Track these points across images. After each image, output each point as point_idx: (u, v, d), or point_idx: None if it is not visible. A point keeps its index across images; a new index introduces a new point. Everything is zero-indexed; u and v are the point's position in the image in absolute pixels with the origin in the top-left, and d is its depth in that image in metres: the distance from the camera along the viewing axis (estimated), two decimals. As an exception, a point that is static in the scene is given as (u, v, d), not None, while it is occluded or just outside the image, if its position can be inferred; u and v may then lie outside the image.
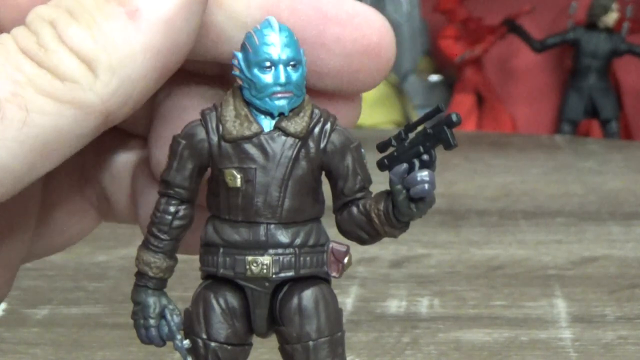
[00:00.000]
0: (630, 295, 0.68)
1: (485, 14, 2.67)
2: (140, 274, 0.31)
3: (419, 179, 0.29)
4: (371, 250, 0.76)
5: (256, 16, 0.30)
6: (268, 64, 0.29)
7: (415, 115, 2.75)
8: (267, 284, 0.30)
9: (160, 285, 0.31)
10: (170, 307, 0.31)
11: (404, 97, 2.76)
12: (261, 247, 0.30)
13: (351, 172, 0.31)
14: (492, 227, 0.87)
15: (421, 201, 0.30)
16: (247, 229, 0.30)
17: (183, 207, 0.31)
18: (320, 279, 0.31)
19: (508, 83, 2.83)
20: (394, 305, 0.66)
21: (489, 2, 2.72)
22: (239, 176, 0.30)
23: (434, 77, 2.84)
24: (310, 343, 0.30)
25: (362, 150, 0.31)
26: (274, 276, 0.30)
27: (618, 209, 0.94)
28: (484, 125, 2.71)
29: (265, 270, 0.30)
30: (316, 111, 0.30)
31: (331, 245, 0.31)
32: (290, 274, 0.30)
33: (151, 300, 0.31)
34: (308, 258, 0.31)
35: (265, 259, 0.30)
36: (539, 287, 0.69)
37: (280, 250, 0.30)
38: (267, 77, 0.29)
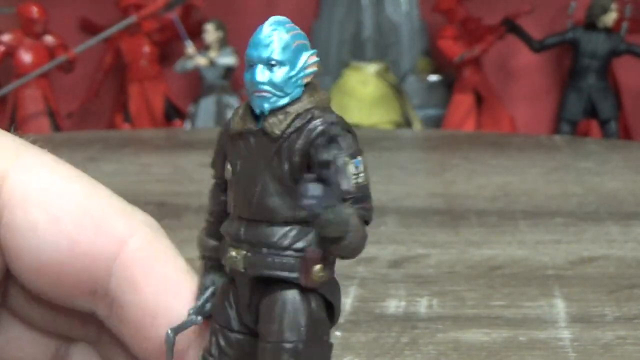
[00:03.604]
0: (629, 295, 0.68)
1: (484, 14, 2.67)
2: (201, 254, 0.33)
3: (309, 193, 0.28)
4: (370, 250, 0.76)
5: None
6: (251, 62, 0.30)
7: (415, 115, 2.75)
8: (245, 279, 0.30)
9: (215, 265, 0.32)
10: (211, 289, 0.32)
11: (403, 97, 2.75)
12: (239, 242, 0.30)
13: (327, 180, 0.29)
14: (491, 227, 0.87)
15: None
16: (234, 222, 0.31)
17: (223, 195, 0.32)
18: (295, 285, 0.30)
19: (507, 83, 2.83)
20: (393, 306, 0.66)
21: (488, 2, 2.72)
22: (230, 169, 0.30)
23: (433, 77, 2.84)
24: (268, 345, 0.30)
25: (352, 160, 0.29)
26: (243, 270, 0.30)
27: (617, 209, 0.94)
28: (483, 125, 2.71)
29: (237, 264, 0.30)
30: (307, 113, 0.29)
31: (306, 250, 0.30)
32: (258, 272, 0.30)
33: (207, 278, 0.32)
34: (277, 260, 0.30)
35: (237, 253, 0.30)
36: (537, 287, 0.69)
37: (250, 247, 0.30)
38: (249, 76, 0.30)
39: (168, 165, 1.17)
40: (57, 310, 0.34)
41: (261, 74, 0.29)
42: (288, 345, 0.29)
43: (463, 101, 2.70)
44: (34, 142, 0.34)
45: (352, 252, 0.29)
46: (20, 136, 0.34)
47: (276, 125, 0.29)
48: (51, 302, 0.33)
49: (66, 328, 0.35)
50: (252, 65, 0.29)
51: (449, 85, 2.79)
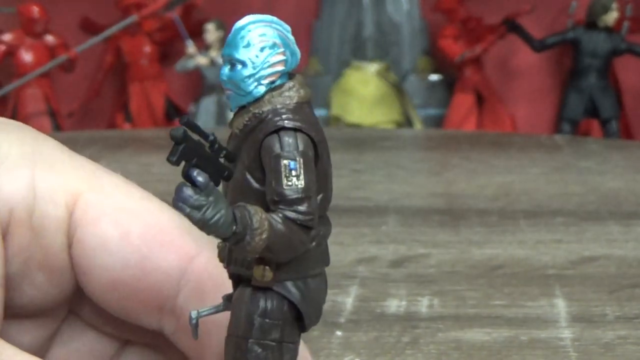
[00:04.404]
0: (630, 295, 0.67)
1: (485, 14, 2.68)
2: None
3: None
4: (371, 250, 0.76)
5: None
6: (222, 60, 0.30)
7: (415, 115, 2.75)
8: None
9: None
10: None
11: (403, 97, 2.76)
12: None
13: (268, 181, 0.29)
14: (491, 227, 0.86)
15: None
16: None
17: None
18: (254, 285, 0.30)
19: (508, 83, 2.83)
20: (394, 305, 0.66)
21: (489, 2, 2.72)
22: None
23: (434, 77, 2.84)
24: (226, 337, 0.30)
25: (286, 161, 0.29)
26: (222, 263, 0.31)
27: (618, 208, 0.94)
28: (484, 125, 2.71)
29: (220, 254, 0.31)
30: (264, 114, 0.29)
31: None
32: (233, 269, 0.30)
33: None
34: (238, 257, 0.30)
35: (221, 243, 0.31)
36: (538, 287, 0.69)
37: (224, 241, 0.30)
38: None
39: (169, 165, 1.17)
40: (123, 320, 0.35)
41: (224, 71, 0.30)
42: (238, 340, 0.30)
43: (464, 101, 2.70)
44: None
45: (261, 253, 0.28)
46: None
47: (237, 123, 0.30)
48: (120, 318, 0.34)
49: (131, 333, 0.36)
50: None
51: (450, 85, 2.79)
